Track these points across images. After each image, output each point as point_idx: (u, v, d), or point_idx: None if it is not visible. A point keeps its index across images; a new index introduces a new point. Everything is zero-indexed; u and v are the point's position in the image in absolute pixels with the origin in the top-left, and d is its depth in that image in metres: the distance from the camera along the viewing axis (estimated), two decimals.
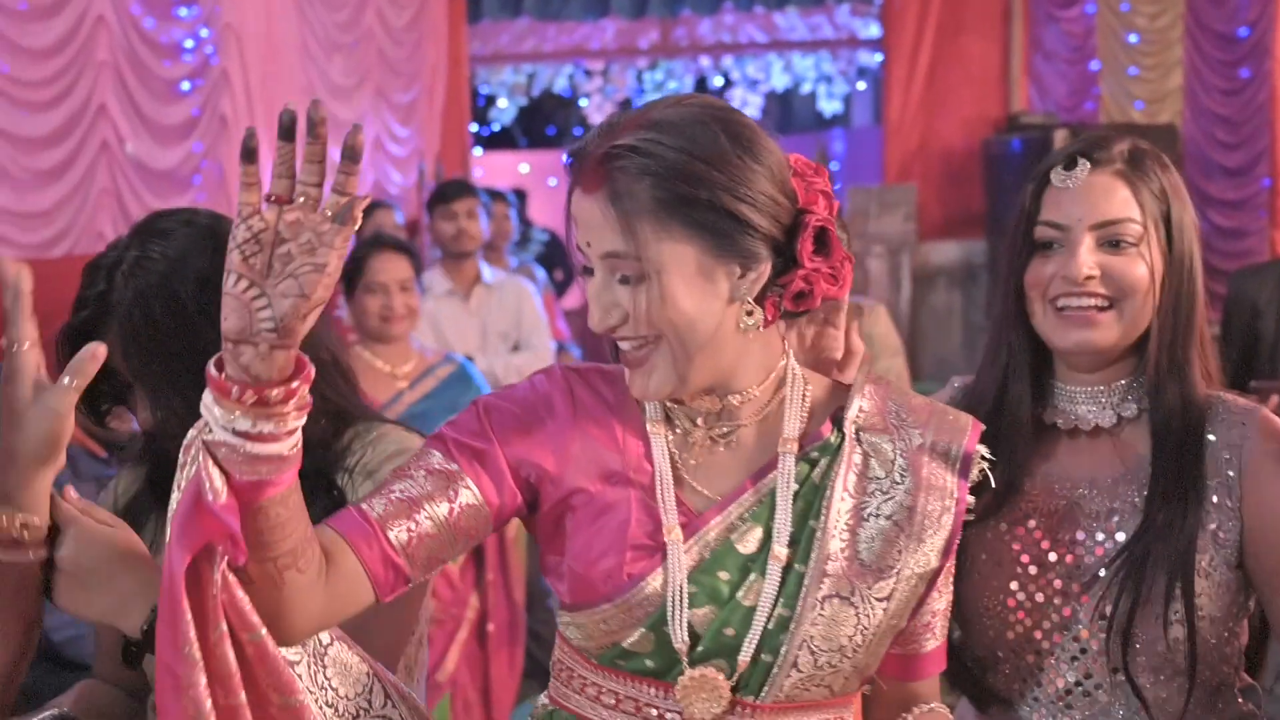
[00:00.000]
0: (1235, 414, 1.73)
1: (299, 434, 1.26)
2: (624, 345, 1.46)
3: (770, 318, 1.47)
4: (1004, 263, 1.82)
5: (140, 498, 1.79)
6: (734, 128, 1.43)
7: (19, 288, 1.42)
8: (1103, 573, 1.72)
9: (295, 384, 1.23)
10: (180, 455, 1.30)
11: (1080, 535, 1.74)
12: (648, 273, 1.40)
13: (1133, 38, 8.66)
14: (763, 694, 1.44)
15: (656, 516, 1.46)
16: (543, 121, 13.29)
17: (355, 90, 7.49)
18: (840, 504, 1.47)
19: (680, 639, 1.43)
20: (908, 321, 8.53)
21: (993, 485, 1.55)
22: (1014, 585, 1.75)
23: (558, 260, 8.90)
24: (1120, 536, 1.72)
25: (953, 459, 1.52)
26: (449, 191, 5.18)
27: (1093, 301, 1.73)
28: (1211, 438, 1.72)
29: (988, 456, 1.54)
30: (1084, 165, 1.74)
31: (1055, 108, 8.92)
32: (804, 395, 1.53)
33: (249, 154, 1.21)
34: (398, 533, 1.40)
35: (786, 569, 1.45)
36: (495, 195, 6.25)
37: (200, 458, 1.24)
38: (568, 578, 1.48)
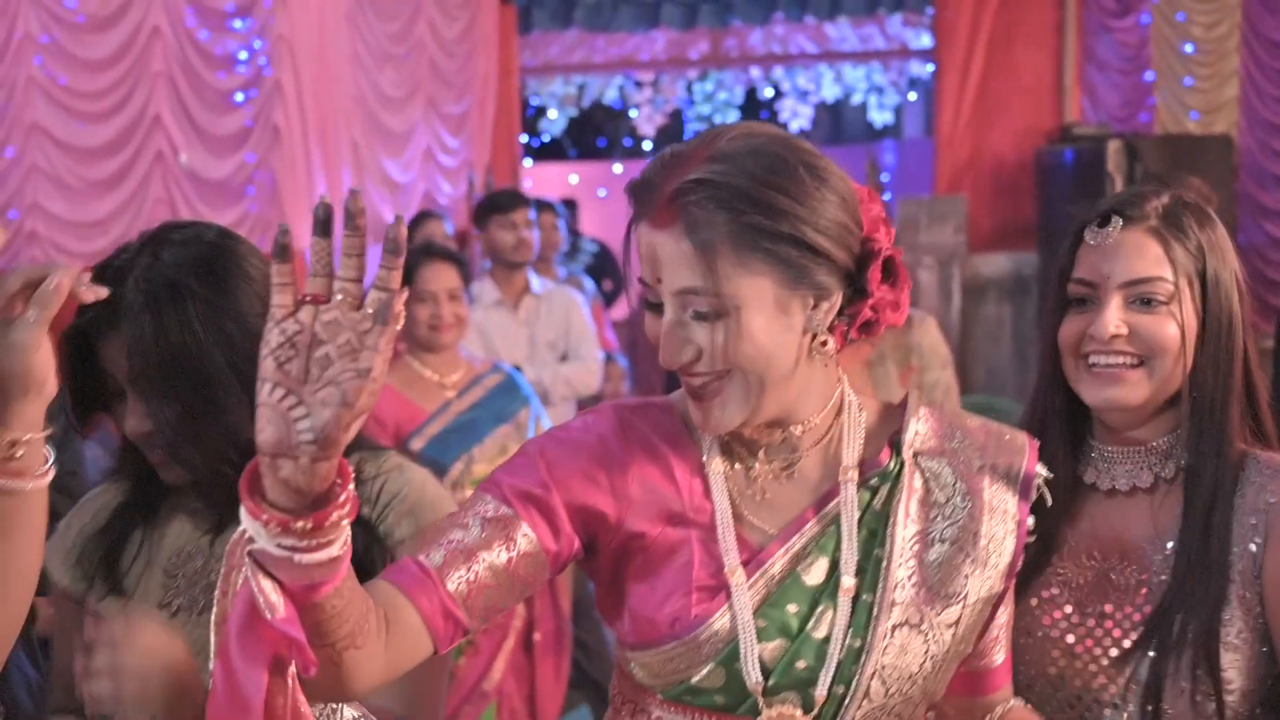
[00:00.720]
0: (1266, 476, 1.70)
1: (348, 530, 1.19)
2: (694, 381, 1.43)
3: (839, 347, 1.46)
4: (1044, 319, 1.82)
5: (123, 513, 1.78)
6: (806, 156, 1.41)
7: (68, 277, 1.42)
8: (1126, 644, 1.70)
9: (342, 498, 1.16)
10: (224, 560, 1.27)
11: (1109, 609, 1.73)
12: (726, 308, 1.38)
13: (1188, 47, 8.57)
14: None
15: (718, 555, 1.45)
16: (593, 133, 13.31)
17: (406, 101, 7.53)
18: (904, 531, 1.46)
19: (755, 678, 1.41)
20: (958, 333, 8.47)
21: (1048, 504, 1.54)
22: (1050, 668, 1.74)
23: (607, 271, 8.91)
24: (1149, 610, 1.70)
25: (1013, 480, 1.51)
26: (505, 201, 5.17)
27: (1122, 360, 1.71)
28: (1239, 502, 1.69)
29: (1045, 474, 1.54)
30: (1116, 222, 1.73)
31: (1108, 119, 8.84)
32: (860, 422, 1.52)
33: (282, 252, 1.14)
34: (456, 584, 1.38)
35: (855, 599, 1.44)
36: (543, 206, 6.26)
37: (249, 572, 1.18)
38: (631, 619, 1.46)
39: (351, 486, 1.17)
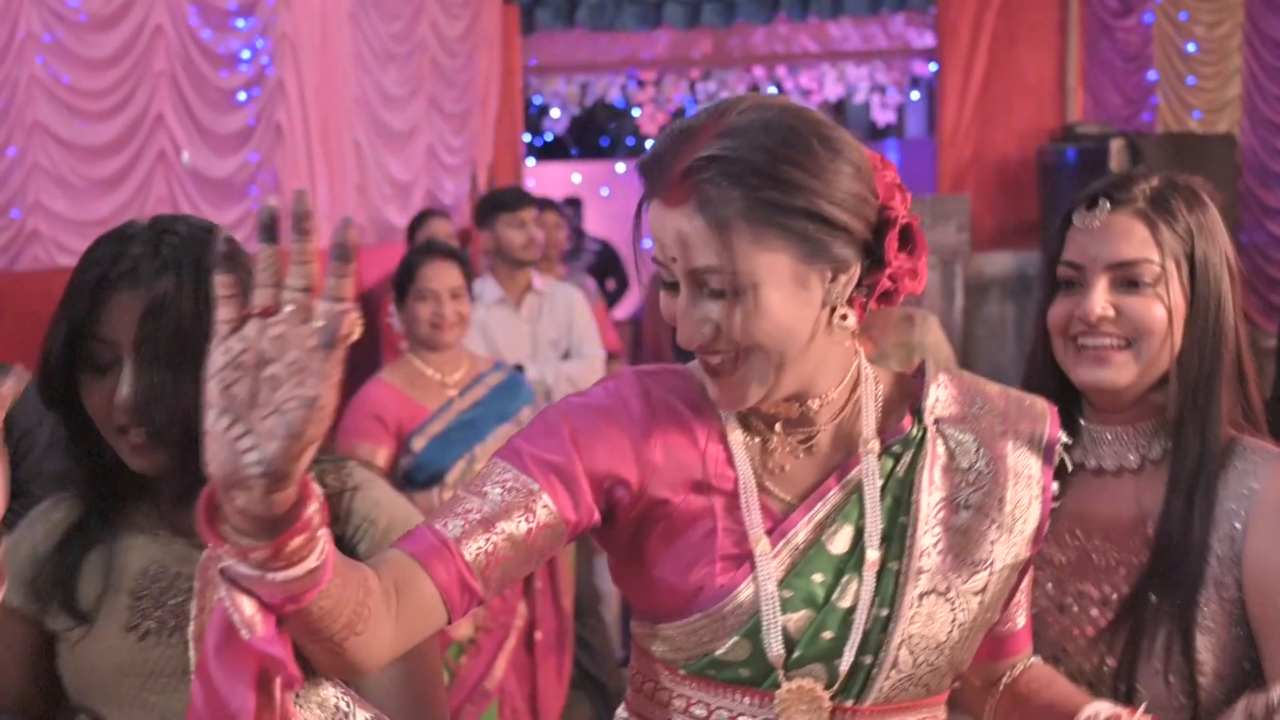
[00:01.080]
0: (1252, 462, 1.71)
1: (324, 539, 1.14)
2: (712, 360, 1.40)
3: (859, 319, 1.44)
4: (1037, 300, 1.83)
5: (77, 533, 1.72)
6: (820, 127, 1.38)
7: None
8: (1103, 623, 1.72)
9: (305, 516, 1.10)
10: (198, 576, 1.23)
11: (1088, 588, 1.75)
12: (742, 286, 1.35)
13: (1191, 47, 8.56)
14: (863, 697, 1.41)
15: (742, 524, 1.42)
16: (595, 132, 13.31)
17: (409, 100, 7.53)
18: (929, 498, 1.44)
19: (775, 651, 1.39)
20: (960, 332, 8.47)
21: (1069, 469, 1.54)
22: None
23: (610, 270, 8.90)
24: (1126, 590, 1.72)
25: (1037, 445, 1.50)
26: (512, 200, 5.15)
27: (1109, 341, 1.73)
28: (1222, 486, 1.70)
29: (1067, 440, 1.53)
30: (1104, 205, 1.74)
31: (1111, 118, 8.83)
32: (876, 394, 1.50)
33: (225, 261, 1.06)
34: (475, 556, 1.34)
35: (881, 567, 1.41)
36: (546, 205, 6.25)
37: (224, 591, 1.12)
38: (653, 591, 1.44)
39: (313, 506, 1.12)
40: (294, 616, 1.16)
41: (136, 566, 1.69)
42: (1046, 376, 1.81)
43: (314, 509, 1.12)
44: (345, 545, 1.66)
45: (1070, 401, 1.80)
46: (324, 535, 1.14)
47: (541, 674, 4.09)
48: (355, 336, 1.07)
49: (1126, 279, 1.73)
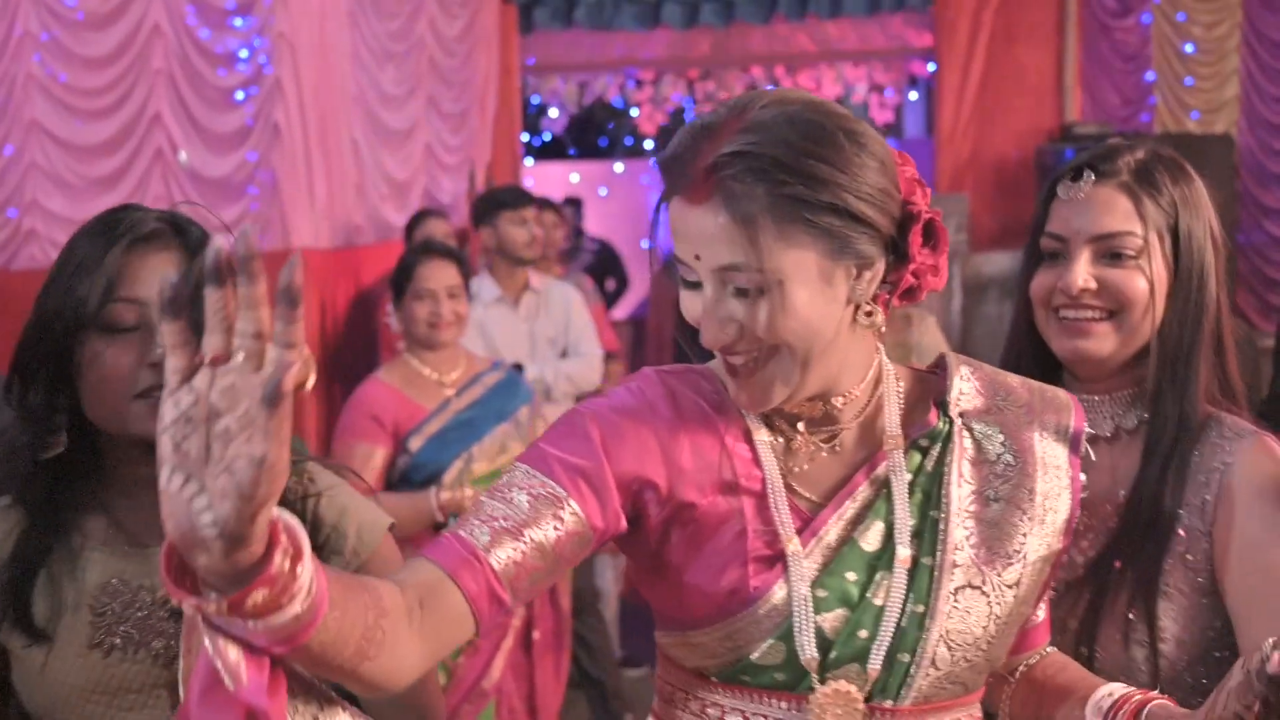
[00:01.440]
0: (1226, 437, 1.71)
1: (306, 580, 1.08)
2: (735, 360, 1.38)
3: (885, 316, 1.42)
4: (1019, 271, 1.84)
5: (27, 547, 1.64)
6: (844, 121, 1.36)
7: None
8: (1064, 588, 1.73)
9: (271, 568, 1.04)
10: (184, 616, 1.16)
11: None
12: (768, 283, 1.33)
13: (1189, 47, 8.55)
14: (901, 696, 1.39)
15: (772, 524, 1.40)
16: (594, 132, 13.29)
17: (407, 99, 7.52)
18: (959, 490, 1.43)
19: (809, 653, 1.37)
20: (959, 332, 8.46)
21: (1093, 459, 1.54)
22: None
23: (609, 270, 8.90)
24: (1092, 555, 1.73)
25: (1063, 436, 1.49)
26: (513, 198, 5.15)
27: (1090, 313, 1.74)
28: (1196, 458, 1.71)
29: (1091, 431, 1.53)
30: (1088, 177, 1.75)
31: (1109, 118, 8.83)
32: (898, 390, 1.49)
33: (170, 306, 1.00)
34: (504, 565, 1.32)
35: (915, 564, 1.40)
36: (544, 204, 6.25)
37: (207, 638, 1.07)
38: (684, 596, 1.41)
39: (279, 557, 1.05)
40: (294, 654, 1.12)
41: (95, 581, 1.63)
42: (1027, 346, 1.83)
43: (280, 560, 1.06)
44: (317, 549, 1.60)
45: (1050, 371, 1.81)
46: (305, 573, 1.08)
47: (539, 673, 4.08)
48: (309, 386, 1.02)
49: (1109, 251, 1.73)
